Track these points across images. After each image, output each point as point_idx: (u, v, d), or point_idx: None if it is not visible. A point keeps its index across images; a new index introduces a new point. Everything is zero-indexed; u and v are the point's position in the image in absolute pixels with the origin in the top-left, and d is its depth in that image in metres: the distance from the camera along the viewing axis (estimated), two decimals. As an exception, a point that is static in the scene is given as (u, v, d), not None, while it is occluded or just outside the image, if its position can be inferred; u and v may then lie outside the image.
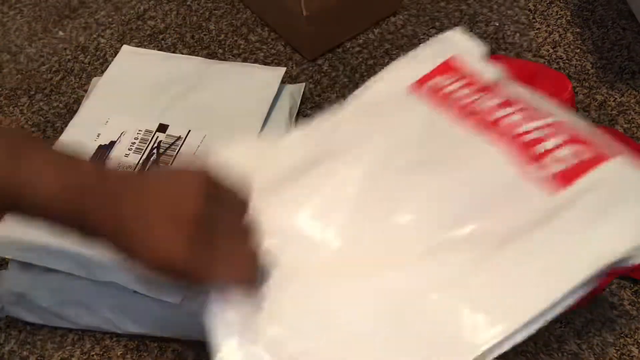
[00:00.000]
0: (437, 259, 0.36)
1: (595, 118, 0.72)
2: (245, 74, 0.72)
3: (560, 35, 0.82)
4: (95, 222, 0.30)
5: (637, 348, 0.54)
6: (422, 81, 0.47)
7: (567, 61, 0.79)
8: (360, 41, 0.83)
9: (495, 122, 0.42)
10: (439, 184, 0.40)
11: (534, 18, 0.85)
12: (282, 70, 0.72)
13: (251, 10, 0.89)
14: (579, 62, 0.78)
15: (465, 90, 0.46)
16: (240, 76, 0.72)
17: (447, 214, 0.39)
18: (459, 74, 0.47)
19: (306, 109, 0.75)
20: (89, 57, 0.85)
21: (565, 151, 0.39)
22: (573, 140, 0.40)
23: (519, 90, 0.46)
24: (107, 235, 0.30)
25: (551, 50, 0.80)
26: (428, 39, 0.79)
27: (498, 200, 0.38)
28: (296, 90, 0.74)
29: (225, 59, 0.82)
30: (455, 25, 0.84)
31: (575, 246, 0.35)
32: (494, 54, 0.80)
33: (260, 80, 0.71)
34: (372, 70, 0.79)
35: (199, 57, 0.77)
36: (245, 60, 0.82)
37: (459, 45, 0.51)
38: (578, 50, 0.80)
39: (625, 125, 0.71)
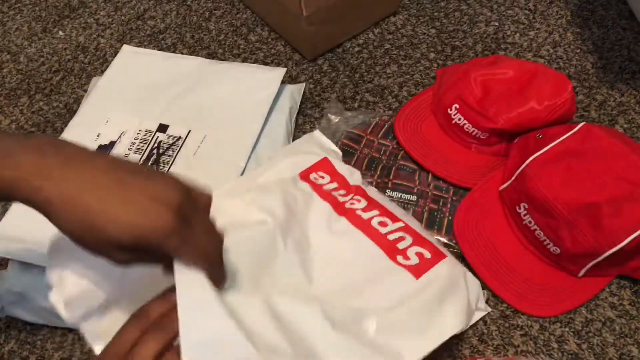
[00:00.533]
0: (323, 309, 0.46)
1: (595, 118, 0.72)
2: (245, 74, 0.72)
3: (560, 35, 0.82)
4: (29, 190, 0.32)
5: (637, 348, 0.54)
6: (306, 173, 0.60)
7: (567, 61, 0.79)
8: (360, 41, 0.83)
9: (367, 222, 0.55)
10: (337, 261, 0.52)
11: (534, 18, 0.85)
12: (282, 70, 0.72)
13: (251, 10, 0.89)
14: (579, 62, 0.78)
15: (341, 191, 0.59)
16: (241, 76, 0.72)
17: (341, 282, 0.50)
18: (332, 173, 0.60)
19: (306, 109, 0.75)
20: (89, 57, 0.85)
21: (415, 249, 0.53)
22: (419, 241, 0.54)
23: (377, 195, 0.59)
24: (42, 204, 0.32)
25: (551, 50, 0.80)
26: (428, 39, 0.79)
27: (380, 280, 0.51)
28: (296, 90, 0.74)
29: (225, 59, 0.83)
30: (456, 25, 0.85)
31: (430, 322, 0.48)
32: (494, 54, 0.80)
33: (261, 81, 0.71)
34: (372, 70, 0.79)
35: (199, 57, 0.77)
36: (245, 60, 0.82)
37: (324, 146, 0.65)
38: (578, 50, 0.80)
39: (625, 125, 0.71)
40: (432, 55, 0.81)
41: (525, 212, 0.58)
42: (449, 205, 0.63)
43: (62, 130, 0.69)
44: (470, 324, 0.51)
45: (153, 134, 0.66)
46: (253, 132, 0.66)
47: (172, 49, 0.85)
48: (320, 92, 0.77)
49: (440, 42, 0.83)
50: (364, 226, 0.55)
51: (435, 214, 0.62)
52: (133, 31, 0.88)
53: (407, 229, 0.55)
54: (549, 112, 0.61)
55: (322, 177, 0.60)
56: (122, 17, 0.91)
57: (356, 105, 0.76)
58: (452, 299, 0.50)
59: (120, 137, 0.66)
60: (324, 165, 0.61)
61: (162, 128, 0.67)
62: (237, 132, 0.66)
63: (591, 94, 0.75)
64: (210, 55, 0.83)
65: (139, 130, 0.67)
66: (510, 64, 0.65)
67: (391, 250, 0.53)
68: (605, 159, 0.54)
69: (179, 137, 0.66)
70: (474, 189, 0.63)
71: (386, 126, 0.71)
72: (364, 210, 0.57)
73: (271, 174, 0.59)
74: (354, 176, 0.61)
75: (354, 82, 0.78)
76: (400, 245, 0.53)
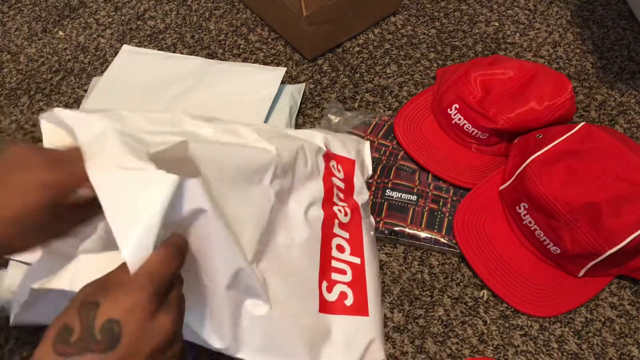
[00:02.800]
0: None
1: (595, 118, 0.72)
2: (245, 74, 0.72)
3: (560, 35, 0.82)
4: None
5: (637, 348, 0.54)
6: (331, 156, 0.59)
7: (567, 61, 0.79)
8: (360, 41, 0.83)
9: (331, 235, 0.55)
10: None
11: (534, 18, 0.85)
12: (282, 70, 0.72)
13: (251, 10, 0.89)
14: (579, 62, 0.78)
15: (341, 195, 0.58)
16: (241, 76, 0.72)
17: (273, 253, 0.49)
18: (348, 177, 0.60)
19: (306, 109, 0.75)
20: (89, 57, 0.85)
21: (343, 289, 0.52)
22: (355, 287, 0.53)
23: (366, 228, 0.58)
24: None
25: (551, 50, 0.80)
26: (428, 39, 0.79)
27: (299, 286, 0.49)
28: (296, 90, 0.74)
29: (225, 59, 0.82)
30: (456, 25, 0.85)
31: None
32: (494, 54, 0.80)
33: (261, 81, 0.71)
34: (372, 70, 0.79)
35: (199, 57, 0.77)
36: (245, 60, 0.82)
37: (363, 157, 0.65)
38: (578, 50, 0.80)
39: (625, 125, 0.71)
40: (432, 55, 0.81)
41: (525, 212, 0.58)
42: (449, 205, 0.63)
43: (62, 130, 0.69)
44: None
45: (153, 134, 0.66)
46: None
47: (172, 49, 0.85)
48: (320, 92, 0.77)
49: (440, 42, 0.82)
50: (326, 236, 0.54)
51: (435, 214, 0.62)
52: (133, 31, 0.88)
53: (357, 268, 0.54)
54: (549, 112, 0.61)
55: (338, 171, 0.60)
56: (122, 17, 0.91)
57: (356, 105, 0.76)
58: (336, 352, 0.49)
59: (120, 137, 0.66)
60: (349, 165, 0.61)
61: (162, 128, 0.67)
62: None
63: (591, 94, 0.75)
64: (210, 55, 0.83)
65: (139, 130, 0.67)
66: (510, 64, 0.65)
67: (324, 272, 0.52)
68: (605, 159, 0.54)
69: (179, 137, 0.66)
70: (474, 189, 0.63)
71: (386, 126, 0.71)
72: (341, 225, 0.56)
73: (301, 133, 0.58)
74: (361, 195, 0.61)
75: (354, 82, 0.78)
76: (335, 277, 0.53)
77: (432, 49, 0.82)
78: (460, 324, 0.56)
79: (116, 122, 0.40)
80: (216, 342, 0.41)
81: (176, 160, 0.39)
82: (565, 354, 0.54)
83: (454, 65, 0.76)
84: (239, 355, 0.42)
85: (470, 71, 0.64)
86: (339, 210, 0.57)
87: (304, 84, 0.76)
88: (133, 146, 0.37)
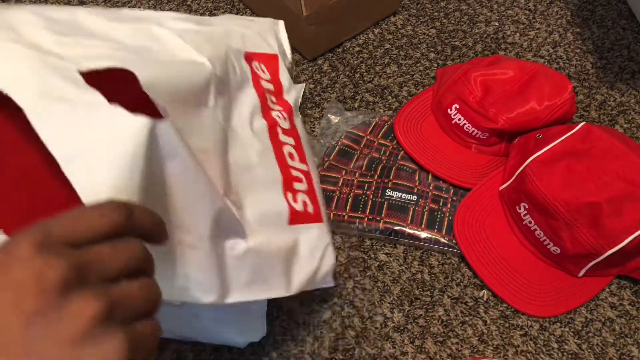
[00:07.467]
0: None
1: (595, 118, 0.72)
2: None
3: (560, 35, 0.82)
4: None
5: (637, 348, 0.54)
6: (252, 56, 0.54)
7: (567, 61, 0.79)
8: (360, 41, 0.83)
9: (280, 144, 0.51)
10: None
11: (534, 18, 0.85)
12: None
13: (251, 10, 0.89)
14: (579, 62, 0.78)
15: (273, 98, 0.54)
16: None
17: (236, 175, 0.46)
18: (274, 75, 0.55)
19: (306, 109, 0.75)
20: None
21: (304, 198, 0.50)
22: (310, 193, 0.51)
23: (300, 127, 0.56)
24: None
25: (551, 50, 0.80)
26: (428, 39, 0.79)
27: (264, 201, 0.46)
28: (296, 90, 0.74)
29: (225, 59, 0.82)
30: (456, 25, 0.85)
31: (270, 272, 0.44)
32: (494, 54, 0.80)
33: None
34: (372, 70, 0.79)
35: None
36: (245, 60, 0.82)
37: (281, 43, 0.60)
38: (578, 50, 0.80)
39: (625, 125, 0.71)
40: (432, 55, 0.81)
41: (525, 212, 0.58)
42: (449, 205, 0.63)
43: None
44: (305, 289, 0.47)
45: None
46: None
47: (172, 49, 0.85)
48: (320, 92, 0.77)
49: (440, 42, 0.83)
50: (276, 145, 0.51)
51: (436, 214, 0.63)
52: (133, 31, 0.88)
53: (307, 175, 0.52)
54: (549, 112, 0.61)
55: (263, 72, 0.55)
56: (122, 17, 0.91)
57: (356, 105, 0.76)
58: (303, 262, 0.47)
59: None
60: (271, 61, 0.56)
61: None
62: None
63: (591, 94, 0.75)
64: (210, 55, 0.83)
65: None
66: (510, 64, 0.65)
67: (287, 183, 0.49)
68: (605, 159, 0.54)
69: (179, 137, 0.66)
70: (474, 189, 0.63)
71: (386, 126, 0.71)
72: (284, 132, 0.53)
73: (219, 30, 0.52)
74: (290, 93, 0.57)
75: (354, 82, 0.78)
76: (296, 186, 0.50)
77: (432, 49, 0.82)
78: (460, 324, 0.56)
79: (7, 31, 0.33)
80: (205, 297, 0.38)
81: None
82: (565, 354, 0.54)
83: (454, 65, 0.76)
84: (228, 301, 0.40)
85: (470, 71, 0.64)
86: (277, 116, 0.53)
87: (304, 84, 0.76)
88: (49, 62, 0.31)
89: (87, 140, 0.29)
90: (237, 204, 0.43)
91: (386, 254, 0.62)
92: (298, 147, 0.53)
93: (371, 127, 0.71)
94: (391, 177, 0.65)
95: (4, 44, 0.32)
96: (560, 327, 0.56)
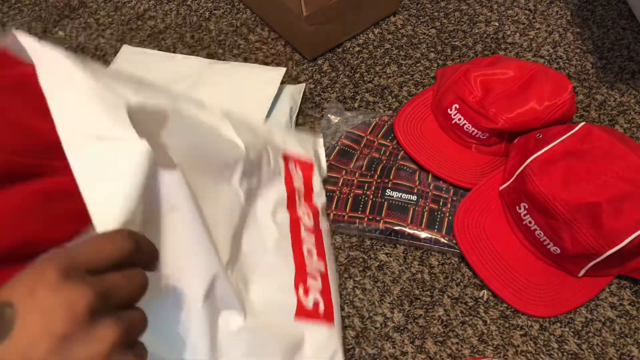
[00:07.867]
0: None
1: (595, 118, 0.72)
2: (245, 74, 0.72)
3: (560, 35, 0.82)
4: None
5: (637, 348, 0.54)
6: (290, 156, 0.57)
7: (567, 61, 0.79)
8: (360, 41, 0.83)
9: (300, 240, 0.52)
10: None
11: (534, 18, 0.85)
12: (282, 70, 0.72)
13: (251, 10, 0.89)
14: (579, 62, 0.78)
15: (302, 198, 0.56)
16: (241, 76, 0.72)
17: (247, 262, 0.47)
18: (306, 180, 0.57)
19: (306, 109, 0.75)
20: (89, 57, 0.85)
21: (316, 296, 0.51)
22: (324, 294, 0.51)
23: (325, 231, 0.57)
24: None
25: (551, 50, 0.80)
26: (428, 39, 0.79)
27: (275, 292, 0.48)
28: (296, 91, 0.74)
29: (225, 59, 0.82)
30: (456, 25, 0.84)
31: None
32: (494, 54, 0.80)
33: (261, 81, 0.71)
34: (372, 70, 0.79)
35: (199, 57, 0.77)
36: (245, 60, 0.82)
37: (319, 157, 0.62)
38: (578, 50, 0.80)
39: (625, 125, 0.71)
40: (432, 55, 0.81)
41: (525, 212, 0.58)
42: (449, 205, 0.63)
43: (62, 130, 0.69)
44: None
45: (153, 134, 0.66)
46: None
47: (172, 49, 0.85)
48: (320, 92, 0.77)
49: (440, 42, 0.83)
50: (295, 239, 0.52)
51: (436, 214, 0.63)
52: (133, 31, 0.88)
53: (324, 276, 0.53)
54: (549, 112, 0.61)
55: (297, 173, 0.57)
56: (122, 17, 0.91)
57: (356, 105, 0.76)
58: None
59: (120, 137, 0.66)
60: (307, 168, 0.59)
61: (162, 128, 0.67)
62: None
63: (591, 94, 0.75)
64: (210, 55, 0.83)
65: (139, 130, 0.66)
66: (510, 64, 0.65)
67: (300, 277, 0.50)
68: (605, 159, 0.54)
69: (179, 137, 0.66)
70: (474, 189, 0.63)
71: (386, 126, 0.71)
72: (307, 229, 0.54)
73: (264, 127, 0.55)
74: (320, 198, 0.59)
75: (354, 82, 0.78)
76: (309, 282, 0.51)
77: (432, 49, 0.82)
78: (460, 324, 0.56)
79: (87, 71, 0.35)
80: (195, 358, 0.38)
81: (152, 124, 0.35)
82: (565, 354, 0.54)
83: (454, 65, 0.76)
84: None
85: (470, 71, 0.64)
86: (303, 213, 0.55)
87: (304, 84, 0.76)
88: (108, 98, 0.32)
89: (101, 171, 0.30)
90: (240, 279, 0.44)
91: (386, 254, 0.62)
92: (319, 247, 0.54)
93: (371, 127, 0.71)
94: (391, 177, 0.65)
95: (75, 68, 0.34)
96: (560, 327, 0.56)
